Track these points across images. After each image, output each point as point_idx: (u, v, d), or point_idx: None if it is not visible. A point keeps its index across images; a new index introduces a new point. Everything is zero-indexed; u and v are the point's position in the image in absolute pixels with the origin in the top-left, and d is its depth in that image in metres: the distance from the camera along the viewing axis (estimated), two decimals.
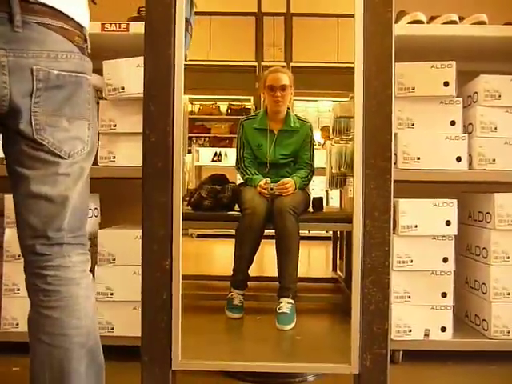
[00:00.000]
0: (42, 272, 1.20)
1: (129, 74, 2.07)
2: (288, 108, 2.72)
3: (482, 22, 2.12)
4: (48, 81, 1.14)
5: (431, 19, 2.21)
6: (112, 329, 2.11)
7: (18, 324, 2.15)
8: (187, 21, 1.67)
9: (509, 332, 2.09)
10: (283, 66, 2.90)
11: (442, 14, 2.17)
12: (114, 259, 2.10)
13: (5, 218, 2.16)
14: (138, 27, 1.94)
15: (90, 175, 1.30)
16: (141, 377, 1.64)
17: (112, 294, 2.10)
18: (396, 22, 2.04)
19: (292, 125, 2.69)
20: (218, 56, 5.22)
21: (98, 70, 2.16)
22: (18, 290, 2.15)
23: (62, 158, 1.18)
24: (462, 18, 2.17)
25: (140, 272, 1.64)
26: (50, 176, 1.18)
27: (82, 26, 1.23)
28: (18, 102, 1.12)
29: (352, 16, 1.73)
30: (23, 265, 1.25)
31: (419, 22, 2.14)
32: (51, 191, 1.19)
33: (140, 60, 1.84)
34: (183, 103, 1.64)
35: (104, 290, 2.10)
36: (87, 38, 1.25)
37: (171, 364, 1.65)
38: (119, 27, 2.11)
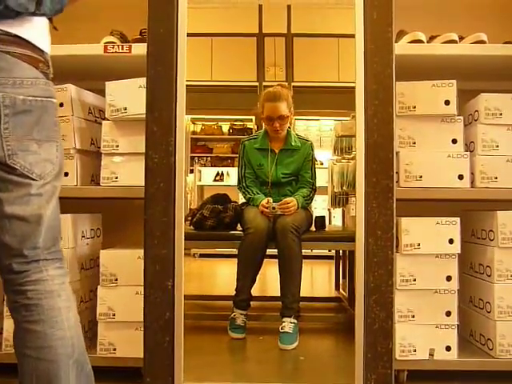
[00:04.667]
0: (21, 288, 1.23)
1: (131, 95, 2.08)
2: (289, 127, 2.73)
3: (481, 41, 2.14)
4: (15, 106, 1.17)
5: (431, 38, 2.22)
6: (114, 350, 2.09)
7: None
8: None
9: None
10: (281, 84, 2.83)
11: (441, 33, 2.19)
12: (117, 279, 2.09)
13: None
14: (141, 48, 1.95)
15: (59, 195, 1.31)
16: None
17: (114, 314, 2.08)
18: (396, 41, 2.05)
19: (293, 144, 2.70)
20: (219, 76, 5.27)
21: (101, 91, 2.18)
22: None
23: (33, 179, 1.22)
24: (461, 38, 2.19)
25: (142, 292, 1.64)
26: (23, 197, 1.21)
27: (44, 52, 1.27)
28: None
29: (352, 36, 1.75)
30: (3, 285, 1.27)
31: (419, 41, 2.16)
32: (25, 211, 1.21)
33: (142, 81, 1.86)
34: (185, 123, 1.65)
35: (106, 311, 2.09)
36: (50, 63, 1.29)
37: None
38: (122, 49, 2.13)
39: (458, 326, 2.10)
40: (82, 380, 1.26)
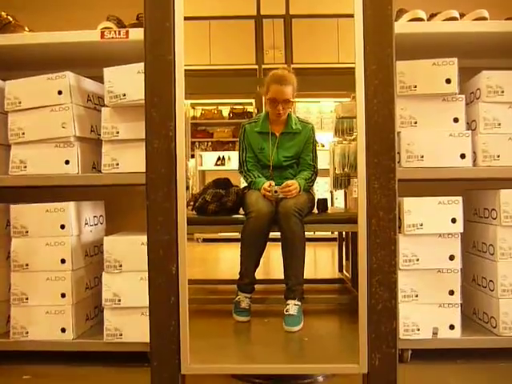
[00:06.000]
0: None
1: (130, 81, 2.07)
2: (290, 110, 2.72)
3: (483, 18, 2.12)
4: None
5: (431, 16, 2.20)
6: (120, 335, 2.11)
7: (27, 333, 2.15)
8: None
9: None
10: (287, 69, 2.81)
11: (442, 10, 2.17)
12: (121, 265, 2.10)
13: (11, 227, 2.17)
14: (138, 34, 1.94)
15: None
16: (150, 382, 1.65)
17: (119, 300, 2.10)
18: (396, 20, 2.03)
19: (293, 127, 2.69)
20: (218, 60, 5.23)
21: (99, 78, 2.17)
22: (27, 299, 2.15)
23: None
24: (462, 15, 2.16)
25: (147, 277, 1.65)
26: None
27: None
28: None
29: (352, 16, 1.73)
30: None
31: (419, 19, 2.14)
32: None
33: (141, 66, 1.85)
34: (185, 108, 1.64)
35: (111, 297, 2.10)
36: None
37: (180, 368, 1.65)
38: (118, 34, 2.12)
39: (461, 304, 2.12)
40: None
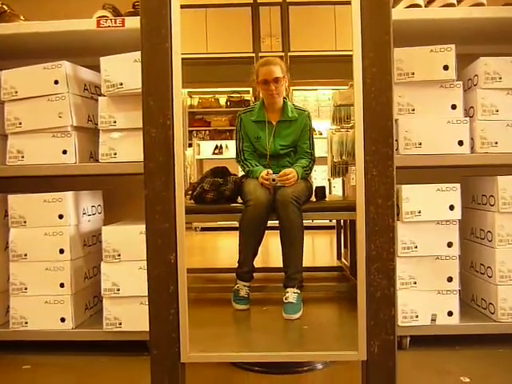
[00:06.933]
0: None
1: (127, 70, 2.06)
2: (285, 98, 2.71)
3: (480, 4, 2.10)
4: None
5: (429, 2, 2.19)
6: (120, 324, 2.11)
7: (26, 323, 2.16)
8: None
9: None
10: (277, 57, 2.85)
11: None
12: (120, 255, 2.10)
13: (9, 218, 2.17)
14: (134, 22, 1.93)
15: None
16: (150, 370, 1.65)
17: (119, 289, 2.10)
18: (393, 6, 2.02)
19: (290, 115, 2.68)
20: (215, 48, 5.20)
21: (96, 67, 2.15)
22: (26, 289, 2.16)
23: None
24: (459, 1, 2.15)
25: (145, 267, 1.65)
26: None
27: None
28: None
29: (349, 3, 1.72)
30: None
31: (417, 5, 2.12)
32: None
33: (137, 55, 1.83)
34: (182, 97, 1.64)
35: (110, 286, 2.11)
36: None
37: (180, 357, 1.65)
38: (115, 23, 2.10)
39: (459, 291, 2.13)
40: None
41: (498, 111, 2.12)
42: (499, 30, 2.19)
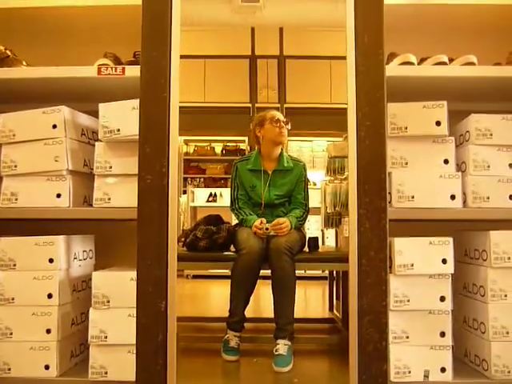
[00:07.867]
0: None
1: (124, 117, 2.09)
2: (281, 149, 2.75)
3: (471, 63, 2.17)
4: None
5: (422, 60, 2.25)
6: (106, 373, 2.06)
7: (9, 369, 2.10)
8: None
9: (509, 372, 2.06)
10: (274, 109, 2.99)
11: (432, 55, 2.22)
12: (109, 301, 2.07)
13: None
14: (134, 71, 1.97)
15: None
16: None
17: (106, 337, 2.06)
18: (387, 63, 2.08)
19: (285, 165, 2.72)
20: (212, 98, 5.31)
21: (94, 113, 2.18)
22: (11, 334, 2.11)
23: None
24: (451, 60, 2.22)
25: (135, 314, 1.62)
26: None
27: None
28: None
29: (344, 58, 1.77)
30: None
31: (410, 63, 2.18)
32: None
33: (136, 102, 1.87)
34: (178, 145, 1.65)
35: (98, 333, 2.07)
36: None
37: None
38: (115, 71, 2.15)
39: (452, 346, 2.10)
40: None
41: (489, 167, 2.14)
42: (490, 88, 2.25)
